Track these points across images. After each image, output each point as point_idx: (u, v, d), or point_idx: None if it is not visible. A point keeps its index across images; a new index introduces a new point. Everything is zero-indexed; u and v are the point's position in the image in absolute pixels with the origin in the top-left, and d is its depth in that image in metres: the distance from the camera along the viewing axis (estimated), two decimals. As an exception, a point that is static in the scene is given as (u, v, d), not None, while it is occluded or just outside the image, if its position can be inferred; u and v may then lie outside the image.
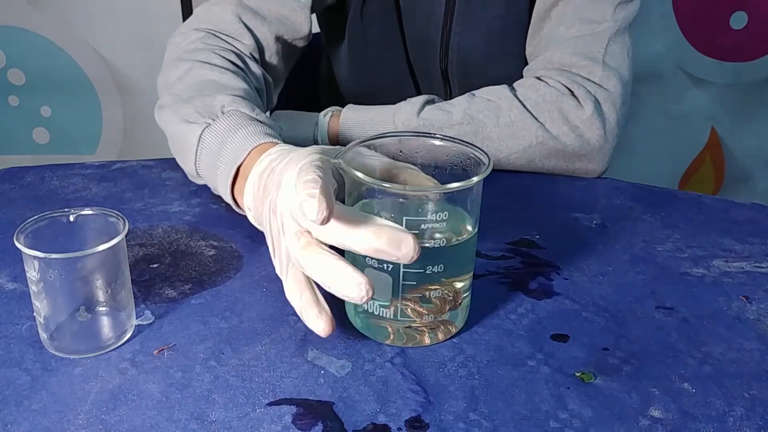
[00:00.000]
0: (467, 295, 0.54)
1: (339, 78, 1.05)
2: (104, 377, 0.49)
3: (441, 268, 0.52)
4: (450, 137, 0.55)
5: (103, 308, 0.53)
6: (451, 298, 0.52)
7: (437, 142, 0.55)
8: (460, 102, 0.80)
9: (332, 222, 0.46)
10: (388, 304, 0.51)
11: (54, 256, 0.48)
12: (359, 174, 0.49)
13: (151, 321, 0.55)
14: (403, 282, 0.51)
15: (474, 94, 0.81)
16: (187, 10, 1.82)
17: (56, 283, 0.50)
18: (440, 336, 0.53)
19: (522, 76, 0.86)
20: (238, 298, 0.58)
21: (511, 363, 0.52)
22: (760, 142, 1.77)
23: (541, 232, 0.69)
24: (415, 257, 0.46)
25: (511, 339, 0.54)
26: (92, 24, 1.85)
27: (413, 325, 0.52)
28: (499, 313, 0.57)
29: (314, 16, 0.92)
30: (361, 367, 0.51)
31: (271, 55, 0.84)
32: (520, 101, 0.79)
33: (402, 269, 0.50)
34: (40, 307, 0.50)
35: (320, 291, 0.49)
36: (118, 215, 0.52)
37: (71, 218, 0.53)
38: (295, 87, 1.00)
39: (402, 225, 0.49)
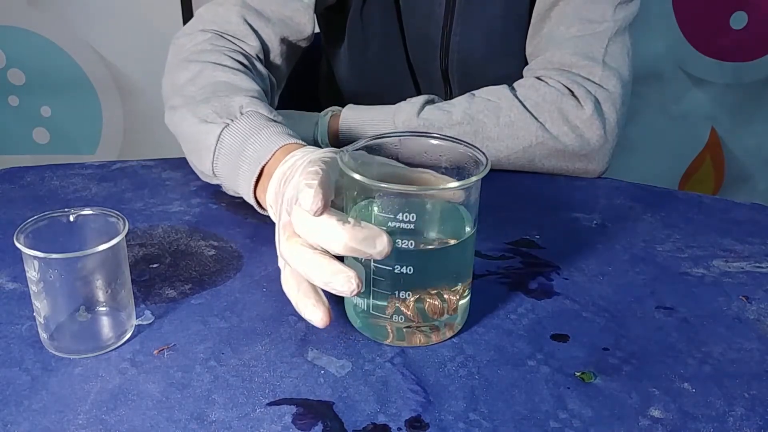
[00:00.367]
0: (466, 298, 0.54)
1: (339, 78, 1.05)
2: (104, 377, 0.49)
3: (440, 266, 0.52)
4: (449, 137, 0.55)
5: (103, 308, 0.53)
6: (445, 305, 0.52)
7: (437, 142, 0.55)
8: (460, 102, 0.80)
9: (311, 220, 0.47)
10: (385, 304, 0.51)
11: (54, 256, 0.48)
12: (356, 175, 0.49)
13: (151, 321, 0.55)
14: (403, 280, 0.51)
15: (474, 94, 0.81)
16: (187, 10, 1.82)
17: (56, 283, 0.50)
18: (440, 336, 0.53)
19: (522, 76, 0.86)
20: (238, 298, 0.58)
21: (511, 363, 0.52)
22: (760, 142, 1.77)
23: (541, 232, 0.69)
24: (389, 253, 0.47)
25: (511, 339, 0.54)
26: (92, 24, 1.85)
27: (413, 325, 0.52)
28: (499, 313, 0.57)
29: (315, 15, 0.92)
30: (361, 367, 0.51)
31: (275, 57, 0.84)
32: (520, 101, 0.79)
33: (401, 265, 0.50)
34: (40, 307, 0.50)
35: None
36: (118, 215, 0.52)
37: (71, 218, 0.53)
38: (295, 87, 1.00)
39: (401, 225, 0.49)
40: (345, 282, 0.47)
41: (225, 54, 0.77)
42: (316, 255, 0.48)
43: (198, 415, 0.46)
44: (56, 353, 0.51)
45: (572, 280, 0.62)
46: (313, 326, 0.54)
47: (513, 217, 0.72)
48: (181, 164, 0.80)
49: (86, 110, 1.95)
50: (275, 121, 0.66)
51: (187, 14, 1.82)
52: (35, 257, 0.48)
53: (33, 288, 0.50)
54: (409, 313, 0.51)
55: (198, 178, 0.76)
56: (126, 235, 0.51)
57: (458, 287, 0.53)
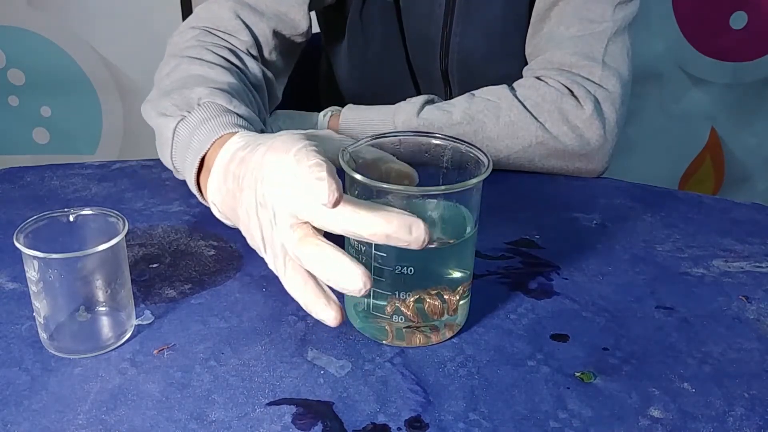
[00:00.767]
0: (466, 298, 0.54)
1: (339, 78, 1.05)
2: (104, 377, 0.49)
3: (440, 266, 0.52)
4: (450, 137, 0.55)
5: (103, 308, 0.53)
6: (445, 305, 0.52)
7: (437, 142, 0.55)
8: (459, 102, 0.80)
9: (339, 210, 0.45)
10: (385, 304, 0.51)
11: (54, 256, 0.48)
12: (357, 175, 0.49)
13: (151, 321, 0.55)
14: (403, 280, 0.51)
15: (474, 94, 0.81)
16: (187, 10, 1.82)
17: (56, 283, 0.50)
18: (440, 336, 0.53)
19: (522, 76, 0.86)
20: (238, 298, 0.58)
21: (511, 363, 0.52)
22: (760, 142, 1.77)
23: (541, 232, 0.69)
24: (427, 240, 0.45)
25: (511, 339, 0.54)
26: (92, 24, 1.85)
27: (413, 325, 0.52)
28: (499, 313, 0.57)
29: (314, 15, 0.92)
30: (360, 367, 0.51)
31: (270, 52, 0.84)
32: (520, 101, 0.79)
33: (401, 265, 0.50)
34: (40, 307, 0.50)
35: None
36: (118, 215, 0.52)
37: (71, 218, 0.53)
38: (295, 87, 1.00)
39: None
40: (356, 281, 0.44)
41: (207, 49, 0.76)
42: (330, 251, 0.45)
43: (198, 415, 0.46)
44: (56, 353, 0.51)
45: (572, 280, 0.62)
46: (313, 326, 0.54)
47: (513, 217, 0.72)
48: (181, 164, 0.80)
49: (86, 110, 1.95)
50: (232, 111, 0.64)
51: (187, 14, 1.81)
52: (35, 257, 0.48)
53: (33, 288, 0.50)
54: (409, 313, 0.51)
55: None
56: (126, 235, 0.51)
57: (458, 287, 0.53)
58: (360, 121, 0.81)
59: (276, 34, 0.84)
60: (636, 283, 0.62)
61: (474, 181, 0.49)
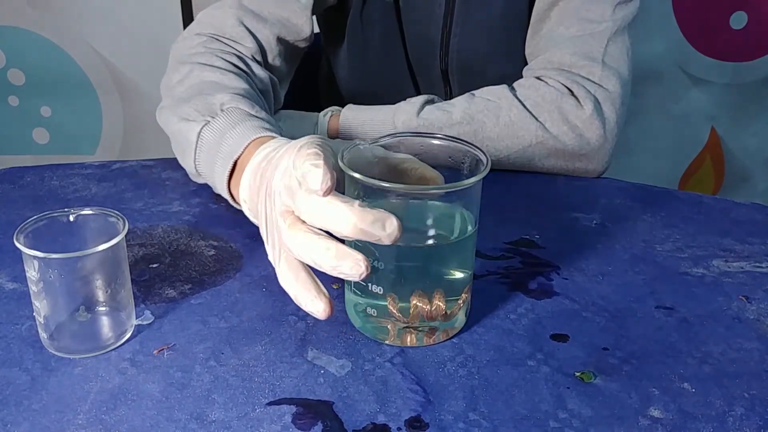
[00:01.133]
0: (467, 297, 0.54)
1: (339, 78, 1.05)
2: (104, 377, 0.49)
3: (441, 266, 0.52)
4: (450, 137, 0.55)
5: (103, 308, 0.53)
6: (446, 306, 0.52)
7: (437, 142, 0.55)
8: (459, 102, 0.80)
9: (318, 202, 0.46)
10: (385, 303, 0.51)
11: (54, 256, 0.48)
12: (356, 174, 0.49)
13: (151, 321, 0.55)
14: (404, 280, 0.51)
15: (474, 94, 0.81)
16: (187, 11, 1.82)
17: (56, 283, 0.50)
18: (440, 336, 0.53)
19: (522, 76, 0.86)
20: (238, 298, 0.58)
21: (511, 363, 0.52)
22: (760, 142, 1.77)
23: (541, 232, 0.69)
24: (399, 236, 0.46)
25: (511, 339, 0.54)
26: (92, 24, 1.85)
27: (413, 325, 0.52)
28: (499, 313, 0.57)
29: (314, 16, 0.92)
30: (360, 367, 0.51)
31: (274, 58, 0.84)
32: (520, 101, 0.79)
33: (402, 265, 0.50)
34: (40, 307, 0.50)
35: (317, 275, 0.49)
36: (118, 215, 0.52)
37: (71, 218, 0.53)
38: (295, 87, 1.00)
39: (404, 224, 0.49)
40: (354, 265, 0.45)
41: (216, 56, 0.77)
42: (321, 239, 0.47)
43: (198, 415, 0.46)
44: (56, 353, 0.51)
45: (572, 280, 0.62)
46: (313, 326, 0.55)
47: (513, 217, 0.72)
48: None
49: (86, 110, 1.95)
50: (256, 116, 0.66)
51: (187, 14, 1.82)
52: (35, 257, 0.48)
53: (33, 288, 0.50)
54: (409, 312, 0.51)
55: (198, 178, 0.76)
56: (126, 235, 0.51)
57: (459, 288, 0.53)
58: (360, 121, 0.81)
59: (280, 40, 0.84)
60: (636, 283, 0.62)
61: (473, 179, 0.49)
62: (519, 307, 0.58)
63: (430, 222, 0.53)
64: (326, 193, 0.45)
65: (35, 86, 1.92)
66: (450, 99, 0.82)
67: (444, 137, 0.55)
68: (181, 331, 0.54)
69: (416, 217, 0.53)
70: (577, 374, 0.51)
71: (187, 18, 1.82)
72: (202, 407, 0.47)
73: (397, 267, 0.50)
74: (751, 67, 1.70)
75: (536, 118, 0.79)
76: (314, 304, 0.48)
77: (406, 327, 0.52)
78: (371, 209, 0.46)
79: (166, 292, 0.59)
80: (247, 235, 0.67)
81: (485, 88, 0.82)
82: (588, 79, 0.81)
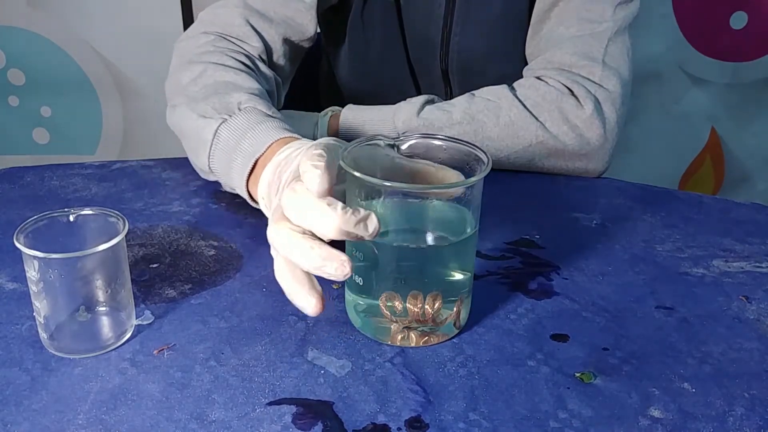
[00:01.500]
0: (468, 298, 0.54)
1: (339, 78, 1.05)
2: (104, 377, 0.49)
3: (441, 267, 0.52)
4: (450, 137, 0.55)
5: (103, 308, 0.53)
6: (447, 306, 0.52)
7: (437, 142, 0.55)
8: (460, 102, 0.80)
9: (298, 203, 0.47)
10: (389, 303, 0.51)
11: (54, 256, 0.48)
12: (356, 173, 0.49)
13: (151, 321, 0.55)
14: (404, 280, 0.51)
15: (474, 94, 0.81)
16: (187, 10, 1.82)
17: (56, 283, 0.50)
18: (440, 337, 0.53)
19: (522, 76, 0.86)
20: (238, 298, 0.58)
21: (511, 363, 0.52)
22: (760, 142, 1.77)
23: (541, 232, 0.69)
24: (376, 233, 0.47)
25: (511, 339, 0.54)
26: (92, 24, 1.85)
27: (413, 325, 0.52)
28: (499, 313, 0.57)
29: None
30: (361, 367, 0.51)
31: (279, 57, 0.85)
32: (520, 101, 0.79)
33: (402, 265, 0.50)
34: (40, 307, 0.50)
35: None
36: (118, 215, 0.52)
37: (71, 218, 0.53)
38: (295, 87, 1.00)
39: (405, 225, 0.49)
40: (339, 266, 0.46)
41: (227, 55, 0.77)
42: (306, 239, 0.47)
43: (198, 415, 0.46)
44: (56, 353, 0.51)
45: (572, 280, 0.62)
46: (313, 326, 0.55)
47: (513, 217, 0.72)
48: (181, 164, 0.80)
49: (86, 110, 1.94)
50: (273, 116, 0.67)
51: (187, 14, 1.82)
52: (35, 257, 0.48)
53: (33, 288, 0.50)
54: (409, 313, 0.51)
55: (198, 178, 0.76)
56: (126, 235, 0.51)
57: (460, 289, 0.53)
58: (360, 121, 0.82)
59: (285, 40, 0.85)
60: (636, 283, 0.62)
61: (473, 179, 0.49)
62: (519, 307, 0.58)
63: (430, 222, 0.53)
64: (321, 195, 0.47)
65: (35, 86, 1.92)
66: (450, 99, 0.82)
67: (444, 137, 0.55)
68: (181, 331, 0.54)
69: (416, 217, 0.53)
70: (577, 374, 0.51)
71: (188, 18, 1.82)
72: (202, 407, 0.47)
73: (397, 267, 0.50)
74: (751, 67, 1.70)
75: (536, 118, 0.79)
76: (306, 299, 0.48)
77: (407, 327, 0.52)
78: (353, 210, 0.47)
79: (166, 292, 0.59)
80: (247, 235, 0.67)
81: (485, 88, 0.82)
82: (588, 79, 0.81)
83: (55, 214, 0.53)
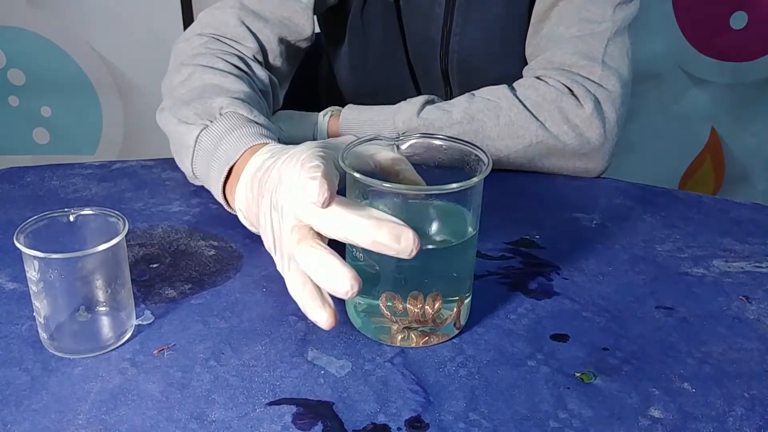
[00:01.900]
0: (468, 298, 0.54)
1: (339, 78, 1.05)
2: (104, 377, 0.49)
3: (441, 268, 0.52)
4: (450, 137, 0.55)
5: (103, 308, 0.53)
6: (447, 306, 0.52)
7: (437, 142, 0.55)
8: (460, 102, 0.80)
9: (332, 214, 0.47)
10: (388, 303, 0.51)
11: (54, 256, 0.48)
12: (356, 174, 0.49)
13: (151, 321, 0.55)
14: (404, 281, 0.51)
15: (474, 94, 0.81)
16: (187, 11, 1.82)
17: (56, 283, 0.50)
18: (440, 337, 0.53)
19: (522, 76, 0.86)
20: (238, 298, 0.58)
21: (511, 363, 0.52)
22: (760, 142, 1.77)
23: (541, 232, 0.69)
24: (415, 251, 0.46)
25: (511, 339, 0.54)
26: (92, 24, 1.85)
27: (413, 325, 0.52)
28: (499, 313, 0.57)
29: (315, 16, 0.92)
30: (361, 367, 0.51)
31: (275, 58, 0.84)
32: (520, 101, 0.79)
33: (402, 266, 0.50)
34: (40, 307, 0.50)
35: None
36: (118, 215, 0.52)
37: (71, 218, 0.53)
38: (295, 87, 1.00)
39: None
40: (344, 282, 0.46)
41: (218, 57, 0.77)
42: (335, 261, 0.46)
43: (198, 415, 0.46)
44: (56, 353, 0.51)
45: (572, 280, 0.62)
46: (312, 326, 0.55)
47: (513, 217, 0.72)
48: (181, 164, 0.80)
49: (86, 110, 1.95)
50: (254, 121, 0.66)
51: (187, 14, 1.82)
52: (35, 257, 0.48)
53: (33, 288, 0.50)
54: (410, 313, 0.51)
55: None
56: (126, 235, 0.51)
57: (460, 289, 0.53)
58: (360, 121, 0.82)
59: (281, 40, 0.84)
60: (636, 283, 0.62)
61: (474, 180, 0.49)
62: (519, 307, 0.58)
63: (430, 223, 0.53)
64: (324, 206, 0.46)
65: (35, 86, 1.92)
66: (450, 99, 0.82)
67: (444, 137, 0.55)
68: (181, 331, 0.54)
69: (416, 217, 0.53)
70: (577, 374, 0.51)
71: (187, 18, 1.82)
72: (202, 407, 0.47)
73: (397, 267, 0.50)
74: (751, 67, 1.70)
75: (536, 118, 0.79)
76: (319, 314, 0.48)
77: (407, 328, 0.52)
78: (388, 222, 0.46)
79: (166, 292, 0.59)
80: (247, 235, 0.67)
81: (485, 88, 0.82)
82: (588, 79, 0.81)
83: (55, 214, 0.53)
